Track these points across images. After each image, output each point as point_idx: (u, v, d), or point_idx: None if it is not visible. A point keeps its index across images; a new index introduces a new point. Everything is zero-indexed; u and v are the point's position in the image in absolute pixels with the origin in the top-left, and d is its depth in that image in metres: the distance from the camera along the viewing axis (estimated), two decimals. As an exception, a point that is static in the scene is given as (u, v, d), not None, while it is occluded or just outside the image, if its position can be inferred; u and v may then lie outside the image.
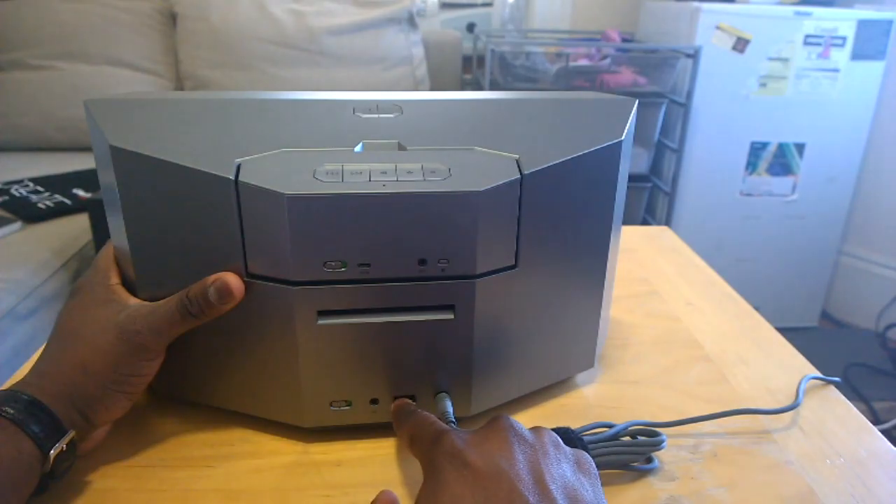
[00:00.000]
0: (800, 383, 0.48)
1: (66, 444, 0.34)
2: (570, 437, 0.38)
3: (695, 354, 0.54)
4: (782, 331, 0.58)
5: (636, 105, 0.45)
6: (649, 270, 0.70)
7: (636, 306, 0.61)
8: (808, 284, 2.00)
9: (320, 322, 0.38)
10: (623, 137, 0.41)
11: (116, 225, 0.38)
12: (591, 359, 0.48)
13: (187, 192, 0.36)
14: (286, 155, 0.37)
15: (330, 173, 0.36)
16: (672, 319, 0.59)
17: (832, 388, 0.50)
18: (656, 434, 0.41)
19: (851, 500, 0.38)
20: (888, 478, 0.40)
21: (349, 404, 0.41)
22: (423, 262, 0.37)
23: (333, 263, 0.36)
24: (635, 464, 0.40)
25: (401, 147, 0.40)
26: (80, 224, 1.23)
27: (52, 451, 0.33)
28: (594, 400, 0.47)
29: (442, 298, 0.39)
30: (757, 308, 0.61)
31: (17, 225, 1.19)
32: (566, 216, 0.41)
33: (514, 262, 0.40)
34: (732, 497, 0.38)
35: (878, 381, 1.73)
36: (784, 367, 0.52)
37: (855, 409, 0.47)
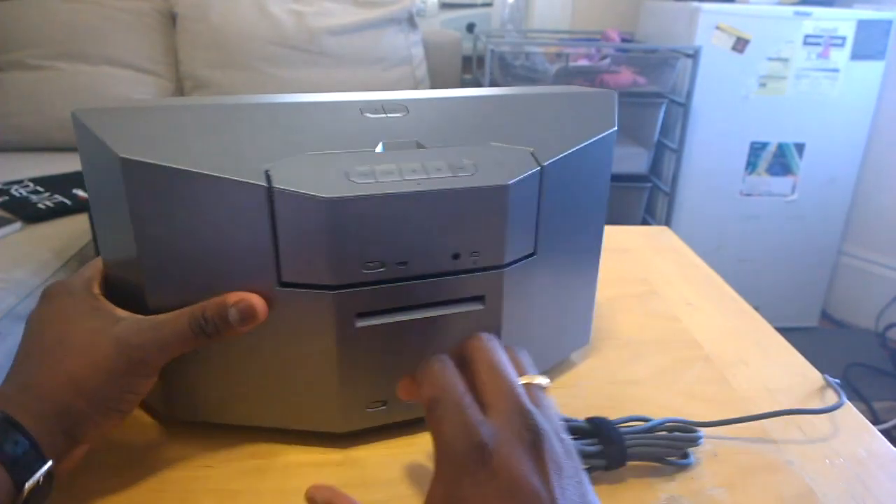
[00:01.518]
0: (826, 380, 0.49)
1: (43, 477, 0.31)
2: (606, 427, 0.39)
3: (694, 354, 0.54)
4: (782, 331, 0.58)
5: (616, 97, 0.47)
6: (649, 270, 0.70)
7: (636, 306, 0.61)
8: (808, 284, 2.00)
9: (359, 324, 0.38)
10: (616, 127, 0.45)
11: (119, 240, 0.36)
12: (587, 335, 0.51)
13: (212, 202, 0.34)
14: (312, 158, 0.37)
15: (363, 174, 0.36)
16: (672, 319, 0.59)
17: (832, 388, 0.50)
18: (692, 430, 0.41)
19: (851, 500, 0.38)
20: (888, 478, 0.40)
21: (384, 404, 0.41)
22: (456, 255, 0.38)
23: (372, 264, 0.36)
24: (671, 458, 0.40)
25: (419, 146, 0.40)
26: (80, 224, 1.23)
27: (27, 484, 0.30)
28: (593, 399, 0.47)
29: (473, 290, 0.40)
30: (757, 308, 0.61)
31: (17, 225, 1.19)
32: (575, 202, 0.44)
33: (533, 250, 0.42)
34: (732, 497, 0.38)
35: (878, 381, 1.73)
36: (784, 367, 0.52)
37: (855, 409, 0.47)
